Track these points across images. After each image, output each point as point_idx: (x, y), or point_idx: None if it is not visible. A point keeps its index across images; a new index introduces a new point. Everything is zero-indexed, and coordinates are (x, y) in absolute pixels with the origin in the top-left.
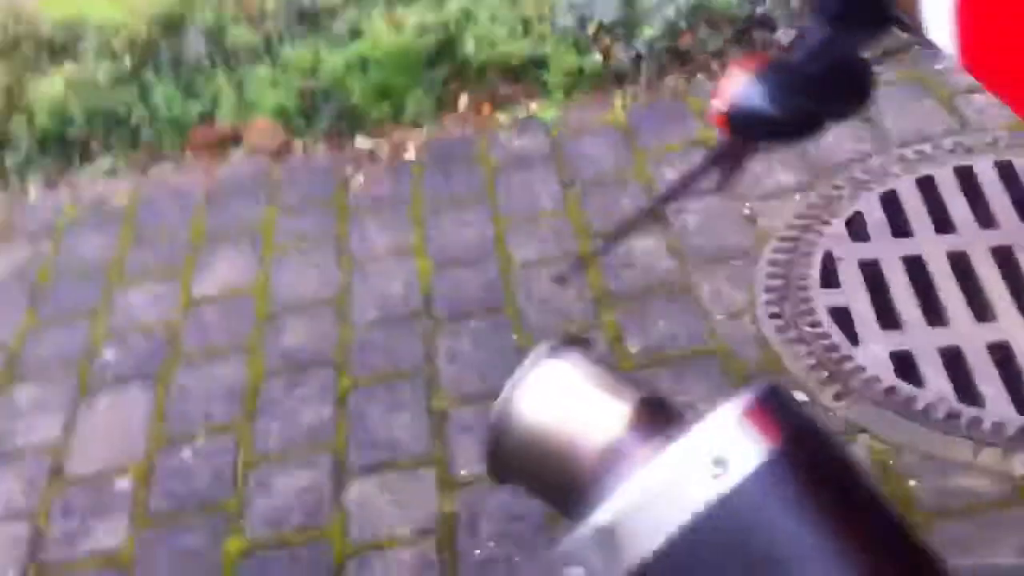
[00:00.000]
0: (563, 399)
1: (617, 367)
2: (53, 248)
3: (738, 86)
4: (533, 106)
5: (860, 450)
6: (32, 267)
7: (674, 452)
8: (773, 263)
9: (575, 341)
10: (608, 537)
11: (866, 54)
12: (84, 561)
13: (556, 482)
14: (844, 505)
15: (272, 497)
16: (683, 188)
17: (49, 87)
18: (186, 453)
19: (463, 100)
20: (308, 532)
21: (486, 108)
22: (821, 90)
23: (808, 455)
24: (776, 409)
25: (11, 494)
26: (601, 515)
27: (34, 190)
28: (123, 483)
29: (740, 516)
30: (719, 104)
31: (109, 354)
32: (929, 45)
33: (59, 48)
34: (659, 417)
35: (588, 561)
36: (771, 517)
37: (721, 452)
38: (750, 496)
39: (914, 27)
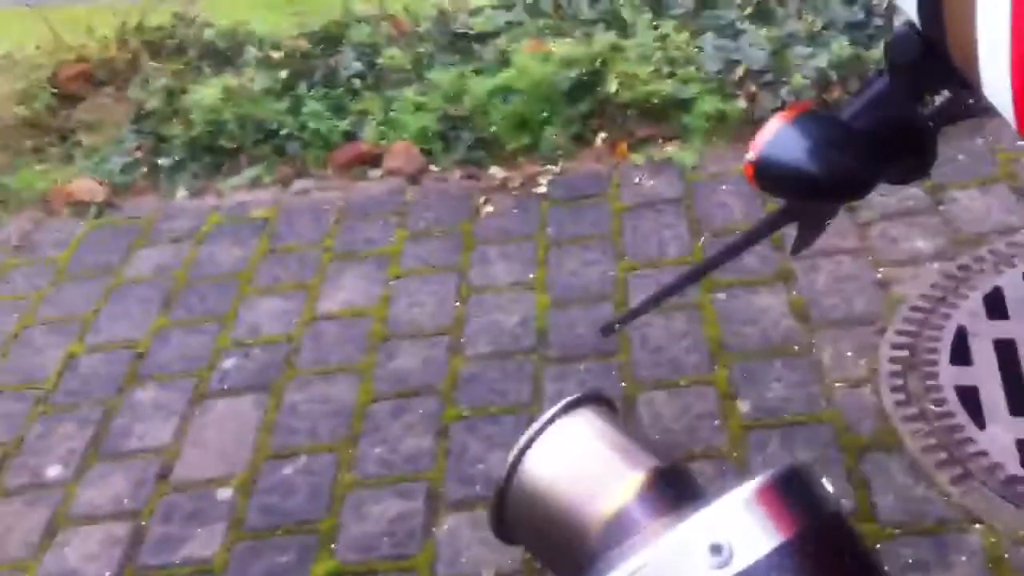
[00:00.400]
0: (574, 459)
1: (653, 438)
2: (192, 253)
3: (771, 135)
4: (670, 148)
5: (973, 541)
6: (170, 270)
7: (677, 533)
8: (901, 333)
9: (597, 399)
10: None
11: (930, 115)
12: (178, 567)
13: (560, 546)
14: None
15: (365, 522)
16: (737, 251)
17: (207, 93)
18: (288, 469)
19: (600, 137)
20: (397, 562)
21: (622, 147)
22: (867, 148)
23: (822, 551)
24: (794, 495)
25: (118, 494)
26: None
27: (181, 194)
28: (225, 493)
29: None
30: (749, 155)
31: (228, 363)
32: (987, 109)
33: (221, 56)
34: (672, 489)
35: None
36: None
37: (725, 538)
38: None
39: (972, 86)
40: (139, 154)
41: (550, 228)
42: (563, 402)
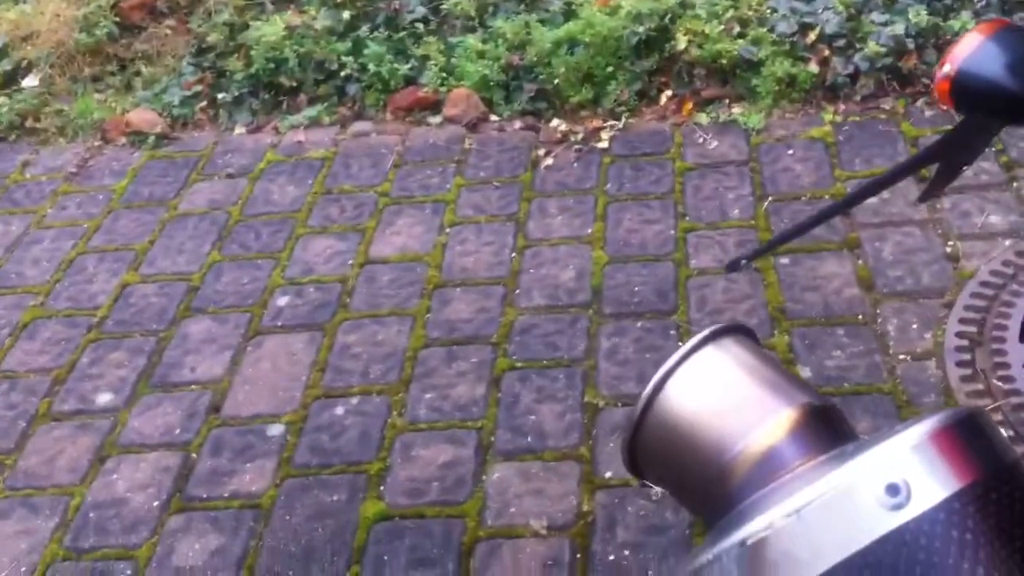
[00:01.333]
0: (719, 391)
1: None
2: (248, 189)
3: (971, 49)
4: (737, 110)
5: None
6: (226, 205)
7: (847, 471)
8: (970, 308)
9: (741, 330)
10: (755, 556)
11: None
12: (226, 500)
13: (699, 483)
14: None
15: (415, 467)
16: (879, 188)
17: (269, 30)
18: (339, 410)
19: (666, 95)
20: (445, 508)
21: (688, 106)
22: None
23: (1002, 498)
24: (972, 440)
25: (168, 425)
26: (750, 529)
27: (239, 130)
28: (275, 430)
29: (913, 557)
30: (946, 68)
31: (283, 300)
32: None
33: None
34: (826, 428)
35: None
36: (950, 563)
37: (901, 480)
38: (928, 536)
39: None
40: (198, 87)
41: (610, 184)
42: (708, 330)
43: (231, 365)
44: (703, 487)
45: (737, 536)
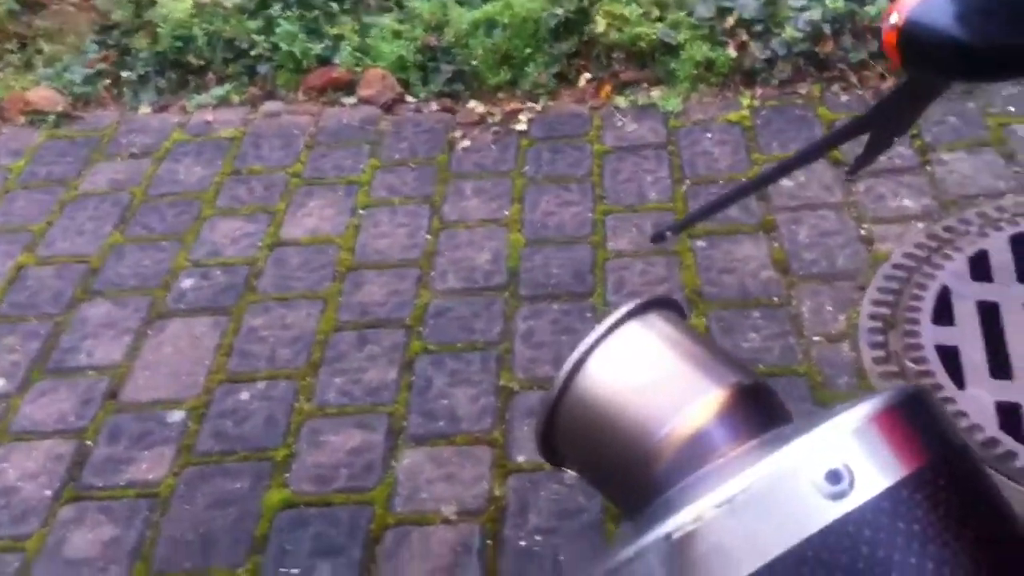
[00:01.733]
0: (644, 369)
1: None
2: (153, 169)
3: None
4: (655, 93)
5: None
6: (129, 185)
7: (783, 456)
8: (883, 290)
9: (666, 304)
10: (682, 552)
11: None
12: (122, 489)
13: (621, 469)
14: (988, 554)
15: (322, 453)
16: (807, 160)
17: (176, 7)
18: (244, 395)
19: (584, 77)
20: (352, 495)
21: (606, 89)
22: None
23: (951, 484)
24: (917, 421)
25: (63, 411)
26: (677, 521)
27: (144, 109)
28: (176, 416)
29: (856, 551)
30: (893, 18)
31: (187, 283)
32: None
33: None
34: (759, 409)
35: None
36: (896, 558)
37: (843, 466)
38: (873, 527)
39: None
40: (102, 65)
41: (528, 167)
42: (631, 304)
43: (131, 349)
44: (625, 473)
45: (662, 529)
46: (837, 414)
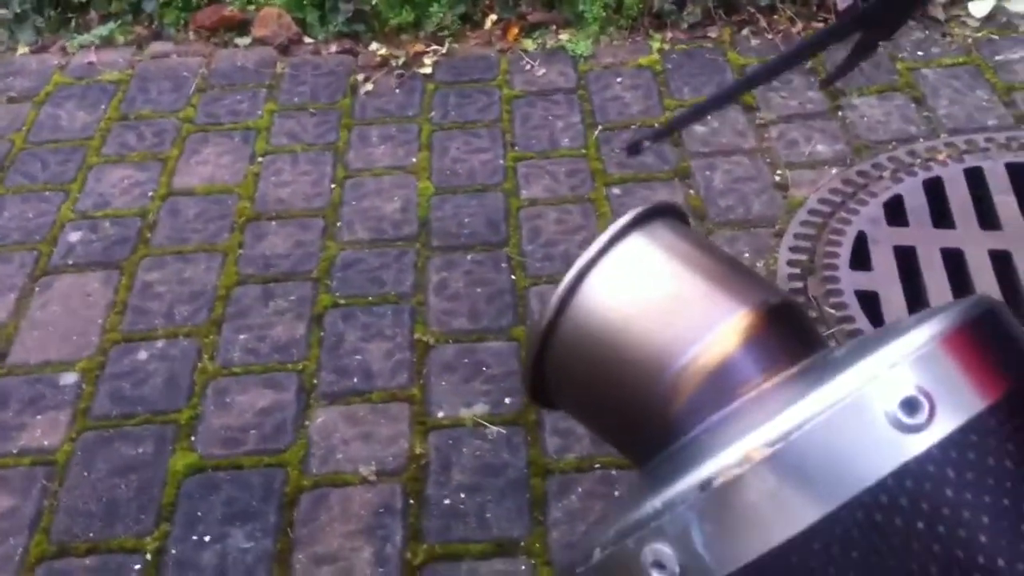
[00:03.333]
0: (654, 290)
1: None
2: (33, 114)
3: None
4: (564, 36)
5: None
6: (8, 132)
7: (847, 384)
8: (800, 236)
9: (671, 212)
10: (724, 502)
11: None
12: (15, 457)
13: (630, 408)
14: None
15: (229, 414)
16: (791, 63)
17: None
18: (142, 354)
19: (490, 19)
20: (264, 457)
21: (514, 31)
22: None
23: None
24: (996, 341)
25: None
26: (715, 467)
27: (22, 50)
28: (69, 378)
29: (938, 492)
30: None
31: (74, 236)
32: None
33: None
34: (791, 332)
35: (682, 537)
36: (984, 499)
37: (920, 393)
38: (957, 465)
39: None
40: None
41: (435, 112)
42: (632, 212)
43: (16, 309)
44: (635, 414)
45: (696, 476)
46: (900, 335)
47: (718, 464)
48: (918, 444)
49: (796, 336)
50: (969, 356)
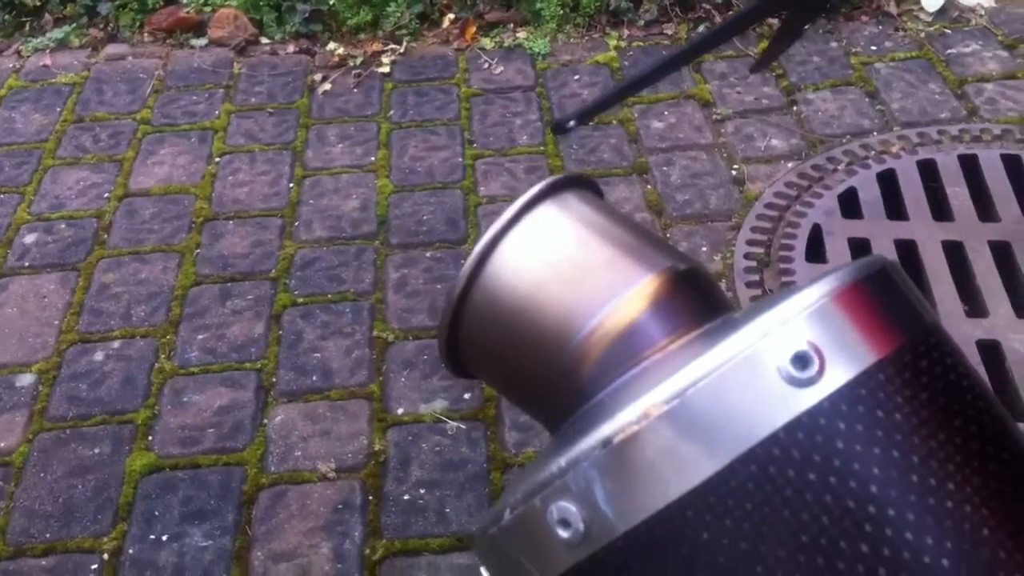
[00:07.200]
0: (563, 256)
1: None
2: None
3: None
4: (522, 34)
5: None
6: None
7: (739, 342)
8: (756, 230)
9: (582, 183)
10: (623, 458)
11: None
12: None
13: (540, 373)
14: (973, 452)
15: (187, 414)
16: (713, 43)
17: None
18: (99, 355)
19: (448, 18)
20: (222, 456)
21: (471, 30)
22: None
23: (929, 367)
24: (888, 298)
25: None
26: (616, 424)
27: None
28: (25, 380)
29: (829, 444)
30: None
31: (30, 238)
32: None
33: None
34: (697, 297)
35: (585, 494)
36: (874, 450)
37: (811, 347)
38: (847, 416)
39: None
40: None
41: (393, 111)
42: (543, 183)
43: None
44: (545, 377)
45: (598, 434)
46: (794, 294)
47: (618, 422)
48: (809, 398)
49: (702, 301)
50: (860, 312)
